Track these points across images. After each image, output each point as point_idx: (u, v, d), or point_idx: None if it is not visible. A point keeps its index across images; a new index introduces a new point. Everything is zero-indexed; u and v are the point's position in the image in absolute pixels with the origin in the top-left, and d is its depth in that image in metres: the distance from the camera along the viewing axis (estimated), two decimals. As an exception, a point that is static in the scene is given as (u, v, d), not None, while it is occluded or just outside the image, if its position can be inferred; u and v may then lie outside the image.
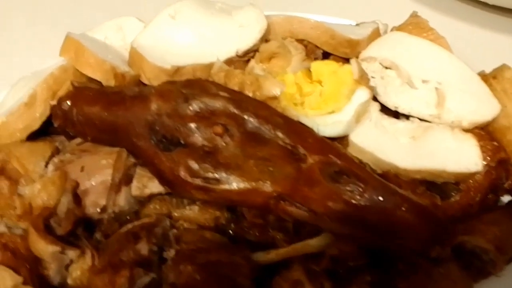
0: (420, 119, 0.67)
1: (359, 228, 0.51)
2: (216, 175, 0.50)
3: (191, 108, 0.49)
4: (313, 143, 0.51)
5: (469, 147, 0.62)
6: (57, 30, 0.70)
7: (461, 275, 0.56)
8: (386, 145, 0.63)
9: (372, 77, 0.69)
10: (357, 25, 0.80)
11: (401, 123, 0.67)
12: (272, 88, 0.53)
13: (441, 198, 0.61)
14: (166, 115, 0.50)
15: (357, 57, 0.71)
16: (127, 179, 0.56)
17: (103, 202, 0.54)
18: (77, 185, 0.52)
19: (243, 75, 0.55)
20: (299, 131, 0.51)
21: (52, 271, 0.50)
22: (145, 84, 0.65)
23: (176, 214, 0.56)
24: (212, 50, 0.71)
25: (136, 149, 0.54)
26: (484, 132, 0.66)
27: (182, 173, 0.51)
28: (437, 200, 0.60)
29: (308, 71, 0.65)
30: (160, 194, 0.57)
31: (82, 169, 0.55)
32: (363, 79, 0.61)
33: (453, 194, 0.61)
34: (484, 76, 0.71)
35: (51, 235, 0.48)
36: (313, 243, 0.54)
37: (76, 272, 0.51)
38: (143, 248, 0.50)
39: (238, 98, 0.51)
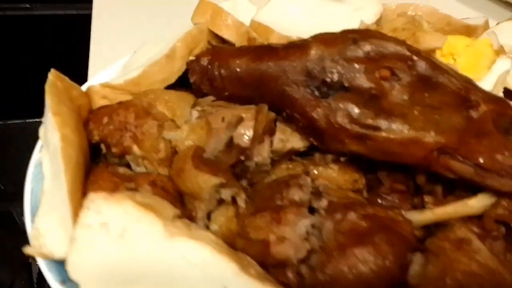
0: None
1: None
2: (377, 122, 0.48)
3: (361, 50, 0.48)
4: (488, 95, 0.48)
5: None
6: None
7: None
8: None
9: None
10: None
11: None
12: (431, 41, 0.52)
13: None
14: (330, 59, 0.49)
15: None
16: (270, 131, 0.53)
17: (248, 151, 0.52)
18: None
19: (402, 31, 0.54)
20: (471, 82, 0.49)
21: (199, 214, 0.46)
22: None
23: (315, 172, 0.54)
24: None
25: (285, 98, 0.52)
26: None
27: (339, 119, 0.49)
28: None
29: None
30: (298, 151, 0.55)
31: (222, 119, 0.54)
32: (502, 50, 0.59)
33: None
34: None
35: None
36: (474, 204, 0.50)
37: (221, 219, 0.48)
38: (296, 194, 0.47)
39: (412, 47, 0.49)
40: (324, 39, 0.50)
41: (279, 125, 0.54)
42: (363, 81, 0.48)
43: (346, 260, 0.41)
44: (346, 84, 0.48)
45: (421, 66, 0.48)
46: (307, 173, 0.54)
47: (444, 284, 0.44)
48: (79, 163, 0.46)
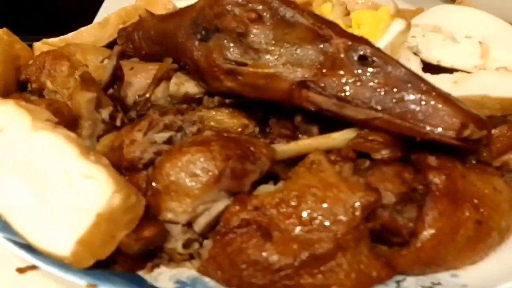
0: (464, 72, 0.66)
1: (386, 113, 0.49)
2: (246, 59, 0.53)
3: (228, -4, 0.55)
4: (341, 30, 0.52)
5: (515, 78, 0.58)
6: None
7: (507, 189, 0.48)
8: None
9: (413, 37, 0.71)
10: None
11: (442, 75, 0.66)
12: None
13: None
14: (208, 6, 0.56)
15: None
16: (167, 77, 0.60)
17: (140, 91, 0.59)
18: (123, 51, 0.58)
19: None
20: (327, 21, 0.54)
21: (84, 131, 0.53)
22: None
23: (205, 114, 0.59)
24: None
25: (179, 48, 0.59)
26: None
27: (215, 56, 0.54)
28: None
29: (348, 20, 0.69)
30: (194, 98, 0.60)
31: (131, 68, 0.62)
32: (399, 13, 0.63)
33: (497, 126, 0.56)
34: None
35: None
36: (337, 136, 0.52)
37: (105, 141, 0.54)
38: (169, 118, 0.53)
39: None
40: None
41: (178, 73, 0.61)
42: (230, 21, 0.54)
43: (176, 159, 0.45)
44: (219, 26, 0.55)
45: (281, 8, 0.53)
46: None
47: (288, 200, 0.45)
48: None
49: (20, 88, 0.62)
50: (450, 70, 0.67)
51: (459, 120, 0.46)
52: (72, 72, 0.60)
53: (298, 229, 0.43)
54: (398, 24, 0.62)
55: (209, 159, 0.45)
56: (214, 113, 0.59)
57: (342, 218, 0.43)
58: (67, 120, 0.54)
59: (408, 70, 0.50)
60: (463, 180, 0.47)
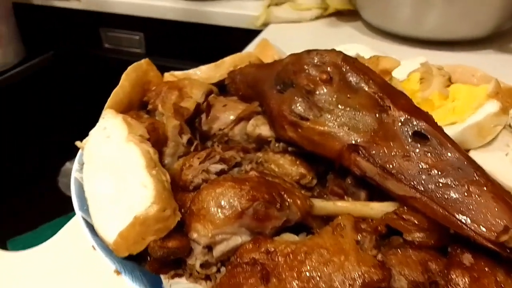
0: None
1: (425, 195, 0.46)
2: (309, 114, 0.57)
3: (309, 56, 0.60)
4: (404, 103, 0.52)
5: None
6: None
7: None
8: (509, 172, 0.54)
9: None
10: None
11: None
12: (385, 63, 0.58)
13: None
14: (291, 63, 0.62)
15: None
16: (248, 118, 0.68)
17: (223, 126, 0.68)
18: (210, 91, 0.68)
19: (369, 59, 0.62)
20: (393, 91, 0.53)
21: (168, 149, 0.65)
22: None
23: (271, 157, 0.64)
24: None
25: (262, 94, 0.66)
26: None
27: (284, 107, 0.60)
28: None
29: (447, 93, 0.66)
30: (267, 141, 0.66)
31: (224, 105, 0.72)
32: (497, 95, 0.57)
33: None
34: None
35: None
36: (375, 206, 0.51)
37: (181, 161, 0.65)
38: (230, 153, 0.60)
39: (352, 58, 0.58)
40: (297, 53, 0.64)
41: (259, 116, 0.68)
42: (303, 79, 0.59)
43: (213, 189, 0.51)
44: (294, 82, 0.60)
45: (349, 73, 0.55)
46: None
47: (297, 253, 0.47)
48: (121, 101, 0.72)
49: (143, 106, 0.78)
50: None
51: (504, 223, 0.40)
52: (179, 101, 0.73)
53: (295, 283, 0.44)
54: (491, 105, 0.57)
55: (237, 196, 0.50)
56: (278, 157, 0.64)
57: (338, 286, 0.42)
58: (160, 138, 0.66)
59: (464, 156, 0.46)
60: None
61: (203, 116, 0.68)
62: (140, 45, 1.85)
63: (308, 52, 0.61)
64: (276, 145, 0.64)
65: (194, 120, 0.68)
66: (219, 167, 0.57)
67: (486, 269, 0.42)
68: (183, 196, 0.56)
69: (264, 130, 0.66)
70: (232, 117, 0.69)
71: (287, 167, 0.63)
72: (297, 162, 0.62)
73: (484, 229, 0.41)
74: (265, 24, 1.47)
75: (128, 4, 1.72)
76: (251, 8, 1.57)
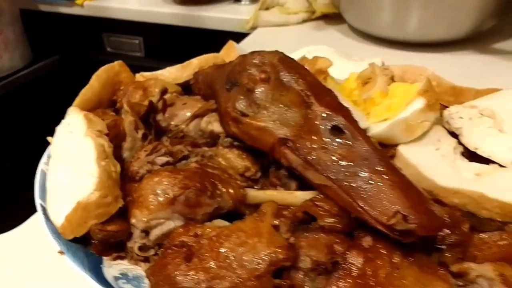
0: (500, 165, 0.58)
1: (337, 184, 0.50)
2: (248, 110, 0.61)
3: (252, 57, 0.64)
4: (328, 100, 0.55)
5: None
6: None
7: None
8: (437, 168, 0.57)
9: (461, 118, 0.65)
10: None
11: (473, 164, 0.59)
12: (320, 63, 0.62)
13: (474, 228, 0.49)
14: (238, 64, 0.67)
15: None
16: (203, 115, 0.73)
17: (179, 123, 0.73)
18: (165, 90, 0.73)
19: (309, 59, 0.66)
20: (321, 89, 0.57)
21: (126, 144, 0.70)
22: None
23: (219, 151, 0.68)
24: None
25: (216, 93, 0.71)
26: None
27: (229, 105, 0.64)
28: (465, 224, 0.48)
29: (387, 92, 0.69)
30: (218, 136, 0.71)
31: (184, 103, 0.77)
32: (427, 93, 0.60)
33: (492, 231, 0.48)
34: None
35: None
36: (298, 195, 0.55)
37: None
38: (178, 147, 0.64)
39: (288, 59, 0.62)
40: (244, 54, 0.68)
41: (213, 113, 0.72)
42: (244, 78, 0.63)
43: (151, 179, 0.56)
44: (238, 81, 0.64)
45: (283, 72, 0.59)
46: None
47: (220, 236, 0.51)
48: (90, 100, 0.78)
49: (114, 104, 0.84)
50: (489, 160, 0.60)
51: (396, 209, 0.44)
52: (143, 100, 0.78)
53: (212, 262, 0.48)
54: (418, 102, 0.60)
55: (170, 184, 0.54)
56: (226, 151, 0.68)
57: (247, 265, 0.46)
58: (120, 134, 0.71)
59: (372, 148, 0.50)
60: (391, 271, 0.44)
61: (160, 113, 0.73)
62: (140, 48, 1.92)
63: (252, 53, 0.65)
64: (225, 140, 0.68)
65: (152, 116, 0.73)
66: (164, 159, 0.62)
67: (383, 251, 0.45)
68: (130, 186, 0.61)
69: (216, 126, 0.71)
70: (189, 114, 0.74)
71: (234, 160, 0.67)
72: (243, 156, 0.67)
73: (378, 214, 0.44)
74: (254, 28, 1.52)
75: (128, 10, 1.80)
76: (244, 12, 1.62)
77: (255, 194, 0.58)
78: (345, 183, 0.49)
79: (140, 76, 0.88)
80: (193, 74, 0.85)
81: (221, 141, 0.68)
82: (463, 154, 0.63)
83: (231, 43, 0.90)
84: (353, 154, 0.50)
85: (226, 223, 0.55)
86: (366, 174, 0.48)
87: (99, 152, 0.61)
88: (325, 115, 0.54)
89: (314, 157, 0.53)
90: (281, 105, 0.59)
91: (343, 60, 0.88)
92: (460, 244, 0.47)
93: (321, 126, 0.53)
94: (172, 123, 0.74)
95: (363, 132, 0.52)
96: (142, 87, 0.80)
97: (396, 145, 0.61)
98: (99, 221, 0.55)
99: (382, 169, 0.47)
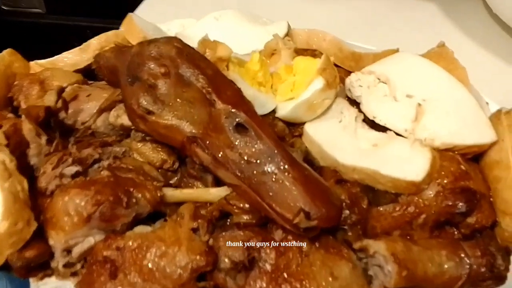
0: (396, 133, 0.63)
1: (246, 182, 0.52)
2: (153, 108, 0.60)
3: (148, 49, 0.61)
4: (229, 95, 0.55)
5: (418, 158, 0.55)
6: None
7: (349, 276, 0.49)
8: (339, 143, 0.61)
9: (360, 86, 0.69)
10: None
11: (373, 133, 0.64)
12: (220, 50, 0.61)
13: (371, 203, 0.55)
14: (136, 55, 0.63)
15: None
16: (110, 108, 0.70)
17: (86, 118, 0.69)
18: (62, 90, 0.69)
19: (211, 43, 0.64)
20: (221, 84, 0.57)
21: (31, 151, 0.66)
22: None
23: (133, 146, 0.67)
24: (239, 47, 0.83)
25: (119, 85, 0.68)
26: (462, 158, 0.57)
27: (132, 102, 0.62)
28: (363, 201, 0.54)
29: (292, 66, 0.70)
30: (130, 128, 0.69)
31: (88, 95, 0.72)
32: (325, 71, 0.62)
33: (387, 203, 0.54)
34: (497, 112, 0.63)
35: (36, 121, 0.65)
36: (213, 192, 0.57)
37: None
38: (87, 151, 0.62)
39: (185, 49, 0.60)
40: (141, 42, 0.64)
41: (120, 105, 0.70)
42: (144, 73, 0.60)
43: (62, 196, 0.54)
44: (138, 76, 0.62)
45: (182, 66, 0.58)
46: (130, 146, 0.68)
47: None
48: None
49: (10, 102, 0.77)
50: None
51: (299, 206, 0.47)
52: (42, 95, 0.72)
53: (137, 276, 0.50)
54: (318, 83, 0.61)
55: (83, 202, 0.54)
56: (139, 145, 0.67)
57: (172, 275, 0.49)
58: (23, 140, 0.67)
59: (275, 145, 0.52)
60: (301, 261, 0.49)
61: (62, 111, 0.68)
62: (39, 3, 1.72)
63: (148, 43, 0.62)
64: (137, 134, 0.67)
65: (53, 119, 0.69)
66: (73, 169, 0.59)
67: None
68: (42, 201, 0.59)
69: (125, 119, 0.68)
70: (95, 107, 0.70)
71: (149, 154, 0.66)
72: (158, 149, 0.66)
73: (284, 212, 0.48)
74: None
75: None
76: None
77: (172, 193, 0.59)
78: (252, 181, 0.51)
79: (35, 65, 0.80)
80: (93, 57, 0.79)
81: (133, 135, 0.67)
82: (365, 120, 0.67)
83: (130, 16, 0.83)
84: (258, 152, 0.52)
85: (148, 228, 0.56)
86: (270, 171, 0.50)
87: (0, 171, 0.58)
88: (228, 112, 0.54)
89: (223, 156, 0.54)
90: (185, 102, 0.58)
91: (249, 25, 0.86)
92: (359, 222, 0.52)
93: (225, 124, 0.54)
94: (79, 119, 0.70)
95: (265, 127, 0.53)
96: (39, 81, 0.74)
97: (303, 123, 0.64)
98: (15, 249, 0.53)
99: (284, 166, 0.50)
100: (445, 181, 0.54)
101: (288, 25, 0.83)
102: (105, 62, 0.75)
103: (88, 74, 0.81)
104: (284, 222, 0.48)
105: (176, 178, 0.66)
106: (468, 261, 0.49)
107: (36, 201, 0.59)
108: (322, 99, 0.62)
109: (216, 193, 0.56)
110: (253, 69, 0.65)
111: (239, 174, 0.52)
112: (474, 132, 0.58)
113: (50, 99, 0.67)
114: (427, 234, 0.54)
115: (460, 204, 0.53)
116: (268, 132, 0.53)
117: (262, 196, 0.50)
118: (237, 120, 0.53)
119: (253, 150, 0.52)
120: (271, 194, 0.49)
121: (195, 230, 0.53)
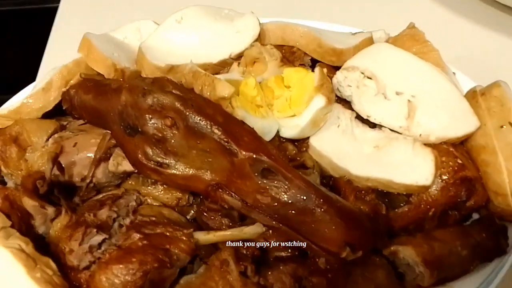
0: (391, 130, 0.68)
1: (283, 222, 0.55)
2: (166, 160, 0.59)
3: (146, 101, 0.58)
4: (248, 142, 0.56)
5: (424, 162, 0.62)
6: (87, 30, 0.83)
7: (386, 282, 0.57)
8: (345, 152, 0.65)
9: (349, 86, 0.72)
10: (354, 34, 0.82)
11: (371, 132, 0.68)
12: (221, 90, 0.60)
13: (389, 207, 0.62)
14: (130, 106, 0.60)
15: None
16: (106, 157, 0.66)
17: (85, 173, 0.66)
18: (57, 156, 0.64)
19: (206, 77, 0.62)
20: (236, 130, 0.57)
21: (37, 222, 0.62)
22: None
23: (143, 191, 0.66)
24: (209, 52, 0.79)
25: (113, 134, 0.64)
26: (454, 149, 0.65)
27: (140, 156, 0.60)
28: (382, 208, 0.61)
29: (282, 77, 0.70)
30: (133, 172, 0.67)
31: (75, 145, 0.68)
32: (323, 87, 0.64)
33: (402, 205, 0.62)
34: (473, 93, 0.70)
35: (37, 193, 0.61)
36: (247, 230, 0.60)
37: (57, 225, 0.64)
38: (104, 213, 0.61)
39: (187, 96, 0.58)
40: (130, 87, 0.61)
41: (116, 151, 0.66)
42: (149, 128, 0.58)
43: (105, 273, 0.54)
44: (140, 129, 0.59)
45: (190, 118, 0.57)
46: (139, 191, 0.67)
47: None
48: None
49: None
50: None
51: (342, 240, 0.52)
52: (22, 155, 0.66)
53: (202, 330, 0.54)
54: (319, 101, 0.63)
55: (129, 275, 0.54)
56: (150, 189, 0.66)
57: (236, 323, 0.53)
58: (22, 211, 0.63)
59: (306, 185, 0.54)
60: (346, 281, 0.55)
61: (54, 168, 0.64)
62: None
63: (143, 94, 0.58)
64: (145, 180, 0.65)
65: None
66: (100, 238, 0.58)
67: (335, 265, 0.55)
68: (76, 276, 0.58)
69: (127, 165, 0.66)
70: (89, 155, 0.66)
71: (162, 196, 0.66)
72: (170, 189, 0.66)
73: (329, 247, 0.53)
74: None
75: None
76: None
77: (206, 238, 0.60)
78: (290, 221, 0.54)
79: (-1, 118, 0.72)
80: (62, 96, 0.72)
81: (142, 180, 0.65)
82: (357, 117, 0.71)
83: (87, 40, 0.74)
84: (290, 194, 0.54)
85: (191, 277, 0.59)
86: (307, 210, 0.54)
87: (24, 262, 0.55)
88: (251, 160, 0.55)
89: (254, 200, 0.56)
90: (201, 153, 0.57)
91: (215, 24, 0.81)
92: (384, 230, 0.59)
93: (251, 171, 0.55)
94: (74, 173, 0.66)
95: (291, 169, 0.55)
96: (12, 139, 0.67)
97: (307, 137, 0.66)
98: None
99: (319, 203, 0.53)
100: (447, 176, 0.61)
101: (257, 19, 0.80)
102: (81, 103, 0.69)
103: (57, 111, 0.75)
104: (329, 255, 0.53)
105: (192, 211, 0.68)
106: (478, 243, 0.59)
107: (67, 277, 0.58)
108: (324, 114, 0.65)
109: (251, 232, 0.59)
110: (251, 96, 0.64)
111: (276, 216, 0.55)
112: (463, 123, 0.65)
113: (46, 168, 0.62)
114: (436, 222, 0.62)
115: (462, 193, 0.61)
116: (295, 173, 0.55)
117: (303, 234, 0.54)
118: (264, 165, 0.55)
119: (285, 192, 0.54)
120: (311, 231, 0.53)
121: (243, 274, 0.56)
